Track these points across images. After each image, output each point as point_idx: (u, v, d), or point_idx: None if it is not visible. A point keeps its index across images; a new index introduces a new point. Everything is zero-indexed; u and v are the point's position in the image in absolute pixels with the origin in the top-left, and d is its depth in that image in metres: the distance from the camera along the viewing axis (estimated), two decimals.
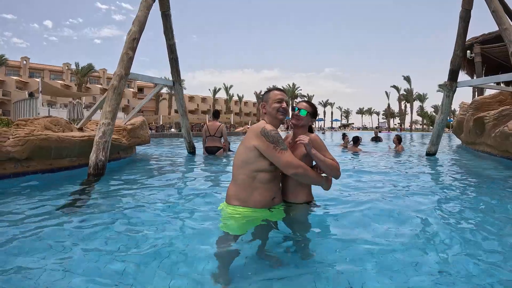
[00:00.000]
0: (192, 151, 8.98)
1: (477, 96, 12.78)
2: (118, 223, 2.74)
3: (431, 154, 8.56)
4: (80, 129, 6.17)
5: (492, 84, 8.58)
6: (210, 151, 8.14)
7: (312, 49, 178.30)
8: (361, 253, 2.14)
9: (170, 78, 8.74)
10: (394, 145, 10.87)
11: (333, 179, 2.57)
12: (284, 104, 2.45)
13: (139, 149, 9.45)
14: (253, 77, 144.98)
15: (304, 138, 2.36)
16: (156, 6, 7.20)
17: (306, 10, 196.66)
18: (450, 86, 7.95)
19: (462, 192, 4.23)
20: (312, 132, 2.69)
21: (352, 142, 10.59)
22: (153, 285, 1.76)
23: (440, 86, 58.24)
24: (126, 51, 5.83)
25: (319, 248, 2.26)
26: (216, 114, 8.55)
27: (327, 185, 2.55)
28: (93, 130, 6.33)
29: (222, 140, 8.31)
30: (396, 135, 11.61)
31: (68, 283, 1.76)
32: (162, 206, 3.33)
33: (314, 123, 2.83)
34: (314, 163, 2.53)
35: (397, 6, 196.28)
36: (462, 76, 16.90)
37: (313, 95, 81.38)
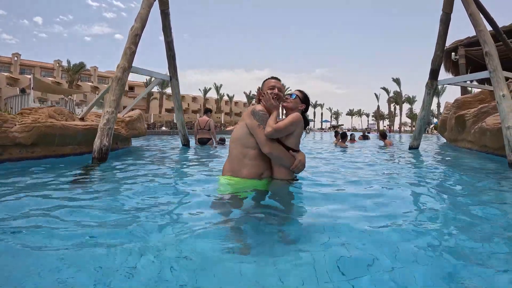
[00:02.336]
0: (186, 143, 9.48)
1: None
2: (125, 198, 2.92)
3: (413, 148, 9.00)
4: (82, 119, 6.45)
5: (470, 82, 9.04)
6: (201, 142, 9.67)
7: (303, 49, 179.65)
8: (336, 228, 2.18)
9: (163, 72, 9.05)
10: (383, 142, 11.36)
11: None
12: (276, 90, 2.77)
13: (134, 142, 9.71)
14: (243, 77, 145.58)
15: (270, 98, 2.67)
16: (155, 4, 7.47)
17: (298, 11, 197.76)
18: (430, 85, 8.43)
19: (434, 177, 4.62)
20: (307, 121, 2.94)
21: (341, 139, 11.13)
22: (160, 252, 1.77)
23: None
24: (129, 45, 6.13)
25: (296, 221, 2.34)
26: (207, 111, 10.31)
27: (289, 162, 2.74)
28: (93, 121, 6.60)
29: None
30: (379, 131, 12.08)
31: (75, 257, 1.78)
32: (162, 183, 3.62)
33: (306, 112, 3.00)
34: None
35: (390, 9, 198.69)
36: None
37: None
